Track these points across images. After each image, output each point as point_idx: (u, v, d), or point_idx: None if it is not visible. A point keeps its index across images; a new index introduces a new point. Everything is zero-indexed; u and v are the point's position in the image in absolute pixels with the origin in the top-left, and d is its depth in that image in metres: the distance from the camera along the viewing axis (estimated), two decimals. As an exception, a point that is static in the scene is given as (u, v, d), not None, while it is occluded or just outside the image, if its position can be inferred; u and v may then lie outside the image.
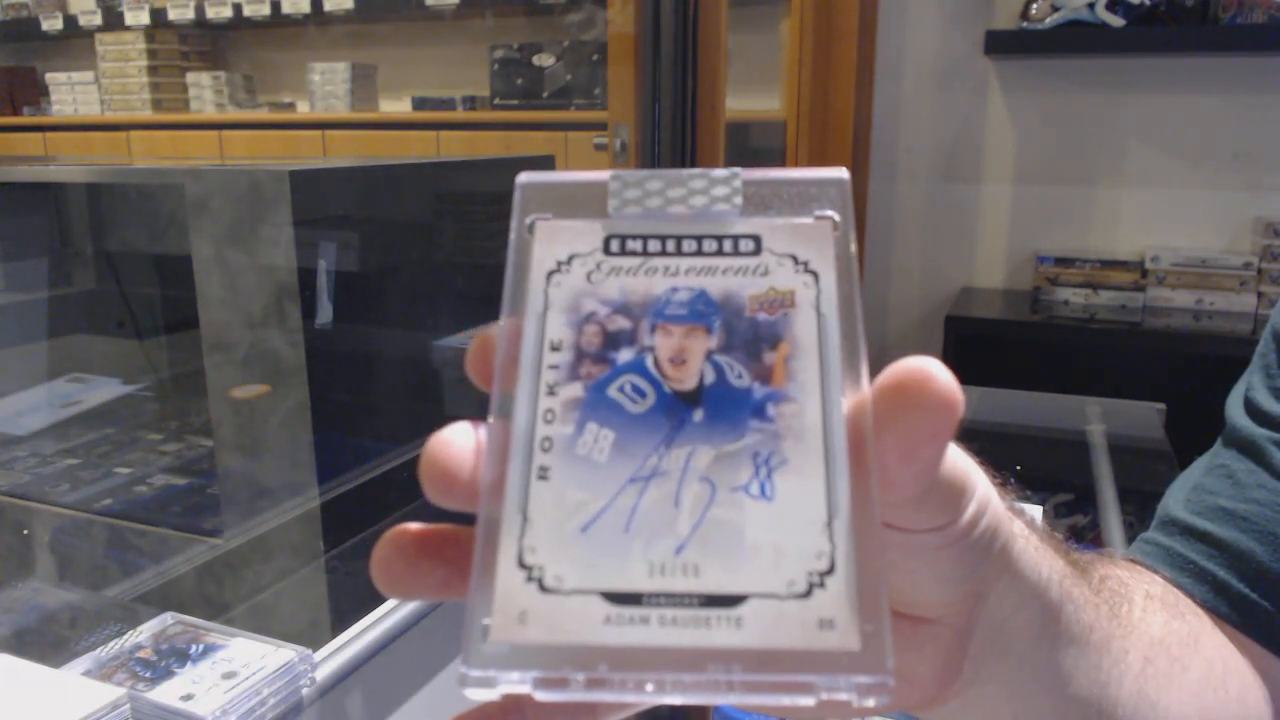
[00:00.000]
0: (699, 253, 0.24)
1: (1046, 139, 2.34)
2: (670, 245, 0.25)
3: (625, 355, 0.23)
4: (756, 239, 0.24)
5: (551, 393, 0.23)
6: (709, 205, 0.25)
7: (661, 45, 1.35)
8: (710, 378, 0.23)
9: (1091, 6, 2.06)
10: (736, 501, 0.21)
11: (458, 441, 0.22)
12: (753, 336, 0.23)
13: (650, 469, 0.22)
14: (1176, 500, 0.53)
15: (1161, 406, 1.45)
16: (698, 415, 0.22)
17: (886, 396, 0.22)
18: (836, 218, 0.25)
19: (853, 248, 0.24)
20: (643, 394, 0.23)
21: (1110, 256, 2.27)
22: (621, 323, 0.24)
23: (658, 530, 0.21)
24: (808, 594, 0.20)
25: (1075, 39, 2.13)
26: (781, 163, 2.13)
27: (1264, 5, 2.01)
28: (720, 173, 0.25)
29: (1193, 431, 0.93)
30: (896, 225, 2.51)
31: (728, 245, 0.24)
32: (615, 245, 0.25)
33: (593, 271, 0.24)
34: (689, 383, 0.23)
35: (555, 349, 0.23)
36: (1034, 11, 2.15)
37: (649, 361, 0.23)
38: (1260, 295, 2.12)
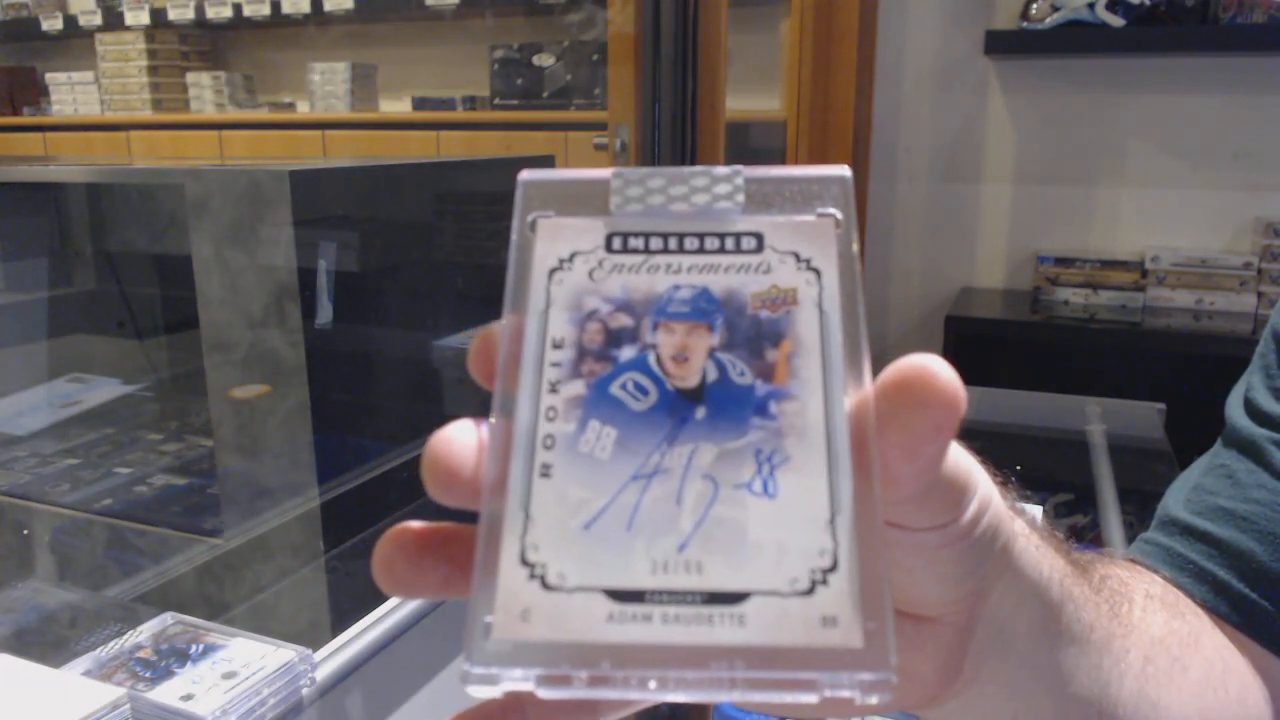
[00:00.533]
0: (701, 250, 0.24)
1: (1046, 139, 2.34)
2: (672, 243, 0.24)
3: (627, 353, 0.23)
4: (759, 236, 0.24)
5: (554, 390, 0.23)
6: (711, 203, 0.25)
7: (661, 45, 1.35)
8: (712, 375, 0.23)
9: (1091, 6, 2.06)
10: (739, 499, 0.21)
11: (460, 439, 0.22)
12: (755, 334, 0.23)
13: (653, 466, 0.22)
14: (1176, 500, 0.53)
15: (1161, 406, 1.45)
16: (700, 413, 0.22)
17: (889, 394, 0.22)
18: (839, 215, 0.25)
19: (855, 245, 0.24)
20: (645, 391, 0.23)
21: (1110, 256, 2.27)
22: (624, 320, 0.23)
23: (660, 528, 0.21)
24: (810, 591, 0.20)
25: (1075, 39, 2.13)
26: (781, 163, 2.13)
27: (1264, 5, 2.01)
28: (722, 170, 0.25)
29: (1193, 431, 0.93)
30: (896, 225, 2.51)
31: (730, 243, 0.24)
32: (617, 243, 0.25)
33: (595, 269, 0.24)
34: (691, 380, 0.23)
35: (557, 346, 0.23)
36: (1034, 11, 2.15)
37: (651, 359, 0.23)
38: (1260, 295, 2.12)
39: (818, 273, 0.24)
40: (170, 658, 0.68)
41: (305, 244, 0.94)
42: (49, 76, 3.71)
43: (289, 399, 0.97)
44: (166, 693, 0.63)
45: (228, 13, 3.23)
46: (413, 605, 0.84)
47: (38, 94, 3.80)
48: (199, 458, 1.22)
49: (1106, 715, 0.36)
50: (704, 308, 0.24)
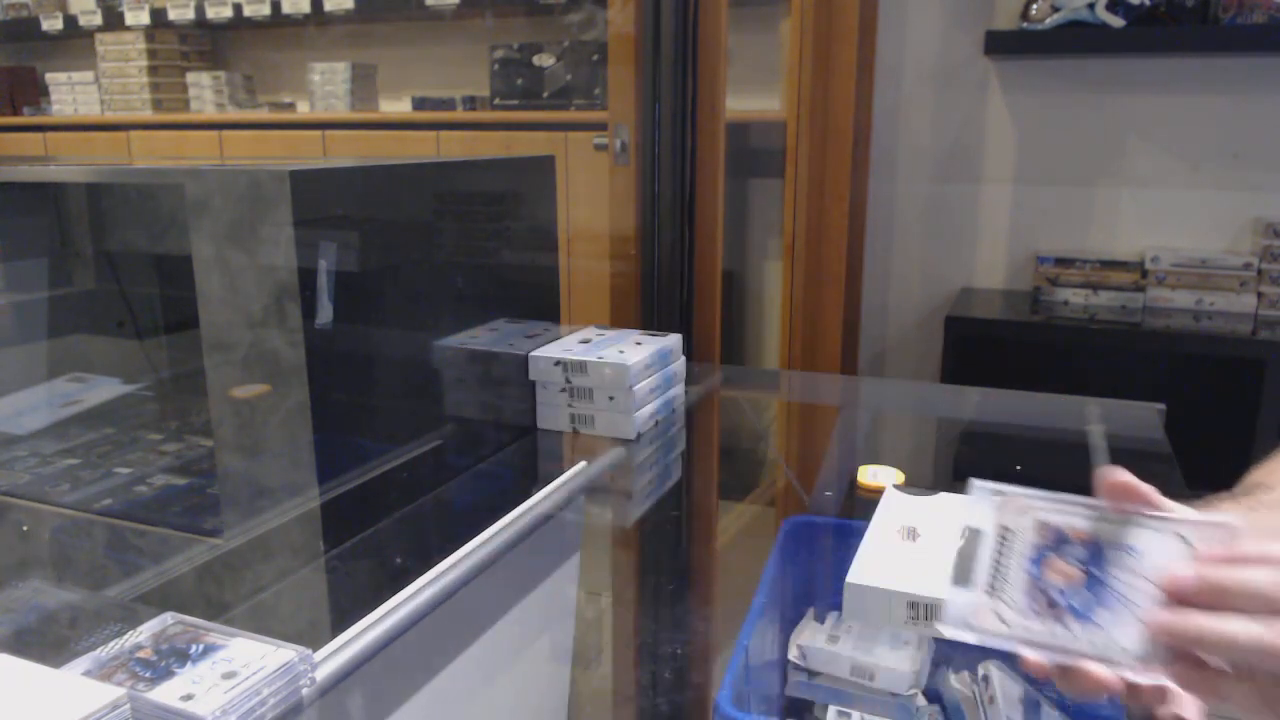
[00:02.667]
0: None
1: (1046, 139, 2.34)
2: None
3: None
4: None
5: None
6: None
7: (661, 45, 1.36)
8: None
9: (1091, 7, 2.06)
10: None
11: None
12: None
13: None
14: None
15: (1161, 406, 1.45)
16: None
17: None
18: None
19: None
20: None
21: (1110, 256, 2.27)
22: None
23: None
24: None
25: (1075, 39, 2.13)
26: (781, 163, 2.13)
27: (1264, 5, 2.01)
28: None
29: (1193, 432, 0.93)
30: (896, 225, 2.51)
31: None
32: None
33: None
34: None
35: None
36: (1034, 12, 2.15)
37: None
38: (1260, 295, 2.12)
39: None
40: (170, 658, 0.68)
41: (305, 244, 0.94)
42: (49, 76, 3.71)
43: (289, 399, 0.97)
44: (166, 693, 0.63)
45: (228, 13, 3.23)
46: (412, 605, 0.84)
47: (38, 94, 3.80)
48: (199, 458, 1.22)
49: None
50: None
